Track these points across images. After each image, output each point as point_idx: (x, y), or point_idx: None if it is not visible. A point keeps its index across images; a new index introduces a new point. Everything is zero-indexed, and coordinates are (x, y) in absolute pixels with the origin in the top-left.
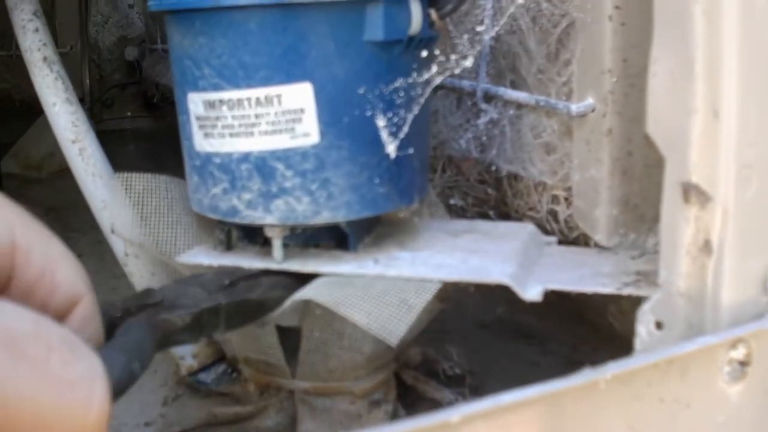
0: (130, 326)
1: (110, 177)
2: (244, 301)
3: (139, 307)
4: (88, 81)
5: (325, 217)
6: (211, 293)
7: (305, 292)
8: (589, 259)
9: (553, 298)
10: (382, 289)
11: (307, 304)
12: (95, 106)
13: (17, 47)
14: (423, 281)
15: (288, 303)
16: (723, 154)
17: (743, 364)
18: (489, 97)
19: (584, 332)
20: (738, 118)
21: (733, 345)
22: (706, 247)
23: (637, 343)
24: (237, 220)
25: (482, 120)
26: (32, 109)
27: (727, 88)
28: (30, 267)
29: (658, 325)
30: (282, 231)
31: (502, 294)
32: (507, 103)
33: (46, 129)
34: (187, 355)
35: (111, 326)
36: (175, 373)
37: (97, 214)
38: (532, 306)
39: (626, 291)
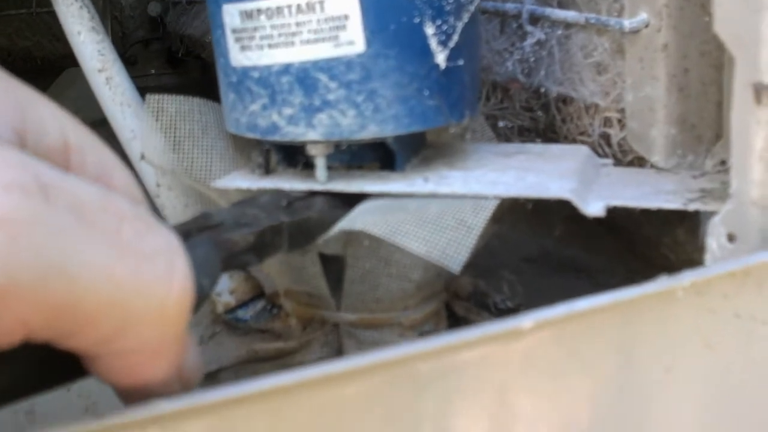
0: (195, 243)
1: (139, 105)
2: (305, 220)
3: (200, 229)
4: (110, 38)
5: (371, 132)
6: (270, 213)
7: (354, 221)
8: (649, 179)
9: (603, 232)
10: (438, 211)
11: (352, 232)
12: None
13: (38, 4)
14: (478, 199)
15: (336, 230)
16: None
17: None
18: (535, 19)
19: (637, 265)
20: None
21: None
22: None
23: (708, 259)
24: (277, 137)
25: (528, 42)
26: (54, 67)
27: None
28: (85, 169)
29: (731, 238)
30: (326, 148)
31: (550, 228)
32: (554, 23)
33: (68, 86)
34: (224, 291)
35: None
36: (211, 311)
37: (126, 145)
38: (582, 241)
39: (692, 206)
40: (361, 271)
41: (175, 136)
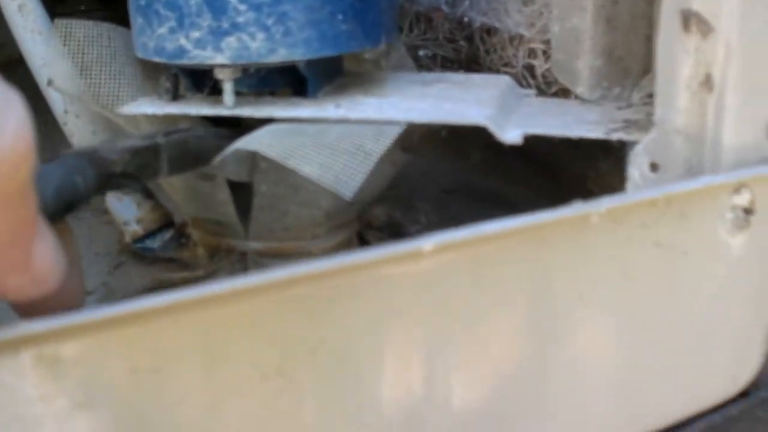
0: (66, 155)
1: (50, 33)
2: (183, 141)
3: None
4: None
5: (281, 55)
6: (147, 139)
7: (250, 142)
8: (572, 109)
9: (527, 165)
10: (337, 136)
11: (253, 156)
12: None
13: None
14: (381, 126)
15: (230, 150)
16: None
17: (747, 211)
18: None
19: (561, 199)
20: None
21: (736, 189)
22: (707, 82)
23: (629, 188)
24: (185, 61)
25: None
26: None
27: None
28: None
29: (653, 167)
30: (234, 72)
31: (471, 159)
32: None
33: None
34: (131, 220)
35: None
36: (118, 241)
37: (36, 73)
38: (505, 174)
39: (615, 136)
40: (270, 198)
41: (83, 62)
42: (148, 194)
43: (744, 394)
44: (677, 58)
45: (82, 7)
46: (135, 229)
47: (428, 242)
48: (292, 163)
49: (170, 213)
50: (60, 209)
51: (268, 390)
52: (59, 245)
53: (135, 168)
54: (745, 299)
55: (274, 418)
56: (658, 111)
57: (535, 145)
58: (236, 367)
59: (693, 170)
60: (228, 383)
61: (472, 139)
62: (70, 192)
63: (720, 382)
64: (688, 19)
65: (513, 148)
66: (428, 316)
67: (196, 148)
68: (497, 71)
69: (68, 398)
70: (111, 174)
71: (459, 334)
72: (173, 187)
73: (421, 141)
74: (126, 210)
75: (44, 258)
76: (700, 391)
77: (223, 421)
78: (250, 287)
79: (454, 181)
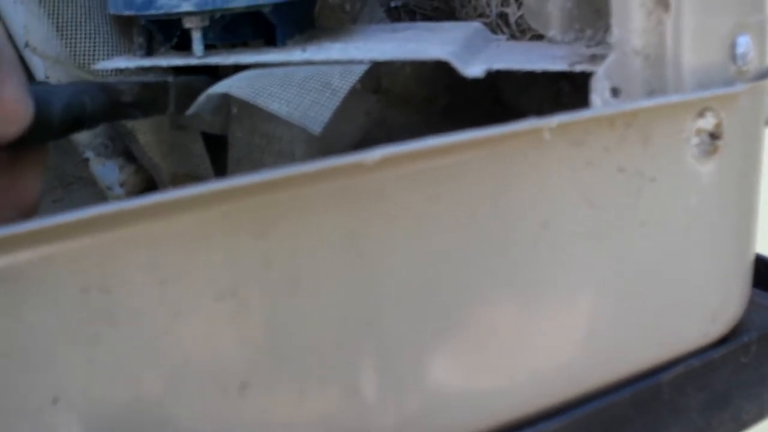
0: (77, 81)
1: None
2: (190, 82)
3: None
4: None
5: (246, 0)
6: (158, 77)
7: (220, 86)
8: (540, 48)
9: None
10: (304, 76)
11: (226, 103)
12: None
13: None
14: (350, 65)
15: (203, 97)
16: None
17: (713, 136)
18: None
19: None
20: None
21: (700, 112)
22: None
23: None
24: (153, 11)
25: None
26: None
27: None
28: None
29: (614, 92)
30: (201, 20)
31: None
32: None
33: None
34: (115, 184)
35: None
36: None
37: (17, 40)
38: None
39: (578, 68)
40: (244, 149)
41: (58, 23)
42: (131, 157)
43: (726, 338)
44: None
45: None
46: (118, 193)
47: (374, 153)
48: (260, 102)
49: (152, 176)
50: (67, 124)
51: (222, 310)
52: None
53: (144, 100)
54: (720, 232)
55: (227, 337)
56: (615, 32)
57: (505, 91)
58: (189, 286)
59: (655, 93)
60: (181, 303)
61: (449, 74)
62: (78, 109)
63: (698, 323)
64: None
65: (483, 95)
66: (377, 232)
67: (201, 91)
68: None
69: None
70: (120, 102)
71: (409, 256)
72: (151, 145)
73: (393, 83)
74: (109, 174)
75: (14, 92)
76: (675, 333)
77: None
78: (195, 197)
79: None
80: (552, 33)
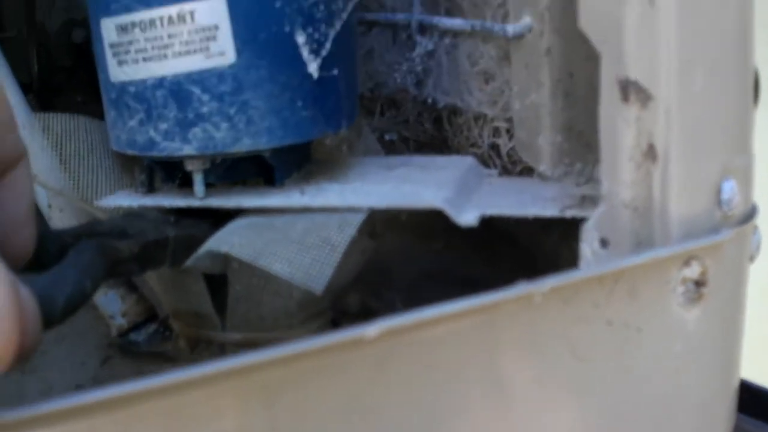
0: (83, 247)
1: (32, 127)
2: (190, 236)
3: (88, 235)
4: (36, 66)
5: (246, 145)
6: (157, 227)
7: (221, 243)
8: (531, 187)
9: (505, 247)
10: (303, 229)
11: (225, 255)
12: (43, 92)
13: None
14: (346, 214)
15: (203, 251)
16: (662, 46)
17: (699, 284)
18: (424, 28)
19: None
20: (677, 6)
21: (686, 262)
22: (651, 151)
23: (582, 265)
24: (155, 153)
25: (417, 52)
26: None
27: None
28: None
29: (603, 243)
30: (202, 163)
31: (448, 242)
32: (443, 32)
33: None
34: (117, 314)
35: (62, 251)
36: (105, 335)
37: None
38: (485, 257)
39: (569, 213)
40: (244, 288)
41: (61, 155)
42: (132, 287)
43: None
44: (619, 130)
45: (79, 99)
46: (120, 323)
47: (372, 328)
48: (262, 263)
49: (154, 306)
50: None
51: None
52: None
53: (141, 258)
54: (705, 375)
55: None
56: (605, 185)
57: (509, 224)
58: None
59: (642, 244)
60: None
61: (446, 220)
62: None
63: None
64: (627, 88)
65: (488, 228)
66: (378, 404)
67: (200, 242)
68: (465, 152)
69: None
70: (117, 261)
71: (410, 423)
72: (154, 279)
73: (389, 226)
74: (111, 304)
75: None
76: None
77: None
78: (206, 376)
79: (431, 265)
80: (543, 167)
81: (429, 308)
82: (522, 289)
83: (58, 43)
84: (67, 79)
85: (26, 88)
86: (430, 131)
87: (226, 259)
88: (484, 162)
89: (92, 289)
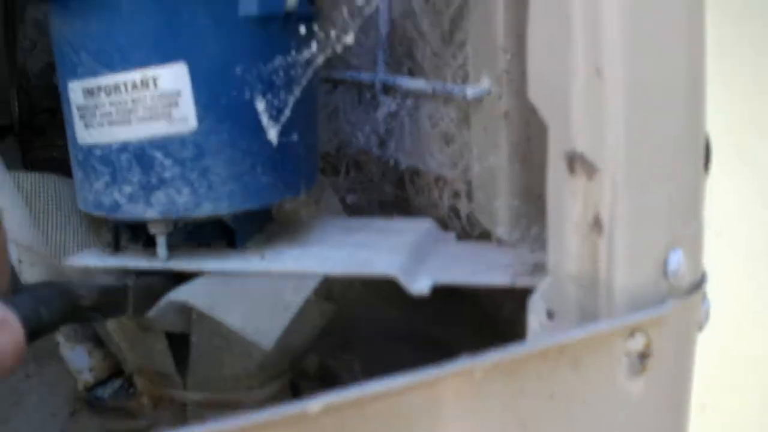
0: (38, 285)
1: (4, 184)
2: (149, 286)
3: (50, 285)
4: (17, 108)
5: (206, 209)
6: (118, 277)
7: (180, 293)
8: (487, 253)
9: (467, 309)
10: (259, 289)
11: (186, 307)
12: (25, 133)
13: None
14: (303, 278)
15: (163, 302)
16: (609, 118)
17: (643, 356)
18: (388, 88)
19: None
20: (625, 77)
21: (631, 334)
22: (596, 224)
23: (530, 337)
24: (119, 215)
25: (381, 112)
26: None
27: (610, 44)
28: None
29: (550, 315)
30: (165, 227)
31: (412, 305)
32: (405, 93)
33: None
34: (84, 369)
35: None
36: (73, 389)
37: None
38: (445, 317)
39: (520, 282)
40: (204, 349)
41: (30, 212)
42: (99, 342)
43: None
44: (565, 202)
45: (60, 142)
46: (87, 378)
47: (315, 403)
48: (216, 314)
49: (120, 362)
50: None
51: None
52: None
53: (102, 304)
54: None
55: None
56: (551, 257)
57: (472, 290)
58: None
59: (587, 317)
60: None
61: (393, 293)
62: (34, 323)
63: None
64: (573, 160)
65: (450, 290)
66: None
67: (161, 293)
68: (426, 213)
69: None
70: (79, 305)
71: None
72: (119, 335)
73: (349, 288)
74: (79, 359)
75: None
76: None
77: None
78: None
79: (393, 325)
80: (500, 231)
81: (371, 383)
82: (463, 364)
83: (39, 85)
84: (48, 120)
85: (7, 130)
86: (393, 192)
87: (187, 315)
88: (444, 224)
89: (51, 320)
